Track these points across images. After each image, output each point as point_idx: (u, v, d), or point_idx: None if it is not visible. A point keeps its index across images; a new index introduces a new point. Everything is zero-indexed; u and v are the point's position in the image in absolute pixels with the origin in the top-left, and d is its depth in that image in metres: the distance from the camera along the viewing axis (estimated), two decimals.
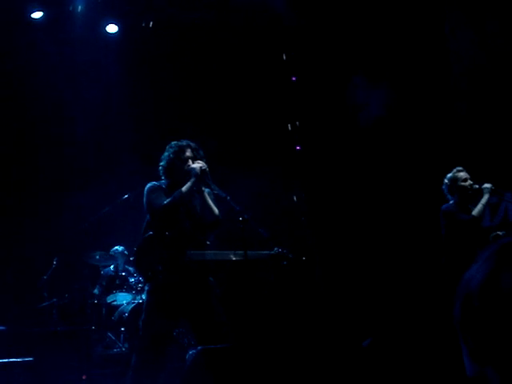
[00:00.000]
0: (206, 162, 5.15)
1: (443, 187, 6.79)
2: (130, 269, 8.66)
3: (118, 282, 8.67)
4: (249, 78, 9.51)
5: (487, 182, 6.69)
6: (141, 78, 9.72)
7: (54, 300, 8.33)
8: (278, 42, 9.57)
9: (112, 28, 9.50)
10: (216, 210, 5.18)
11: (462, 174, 6.67)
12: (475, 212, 6.52)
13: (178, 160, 5.18)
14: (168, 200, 5.00)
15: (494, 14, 8.70)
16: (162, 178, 5.27)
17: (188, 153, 5.20)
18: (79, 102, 9.38)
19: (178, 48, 9.69)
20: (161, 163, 5.27)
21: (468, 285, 1.11)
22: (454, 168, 6.76)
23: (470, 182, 6.62)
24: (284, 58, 9.59)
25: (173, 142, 5.32)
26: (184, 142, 5.28)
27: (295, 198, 9.49)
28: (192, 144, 5.29)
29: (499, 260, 1.09)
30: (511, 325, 1.04)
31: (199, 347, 4.44)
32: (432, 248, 7.42)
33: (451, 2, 9.03)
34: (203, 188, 5.14)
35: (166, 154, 5.27)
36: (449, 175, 6.73)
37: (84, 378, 7.15)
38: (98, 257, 8.70)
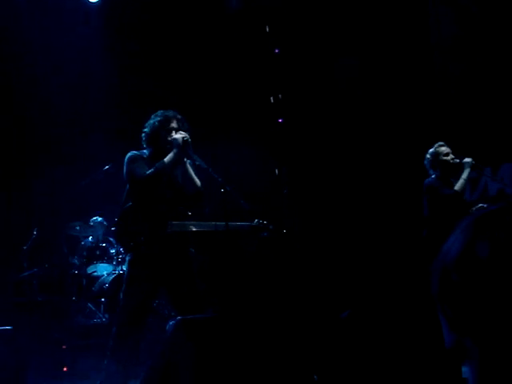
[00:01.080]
0: (190, 135, 5.10)
1: (425, 162, 6.83)
2: (111, 239, 8.64)
3: (98, 253, 8.65)
4: (232, 50, 9.45)
5: (467, 157, 6.74)
6: (121, 49, 9.62)
7: (35, 270, 8.31)
8: (262, 14, 9.50)
9: None
10: (198, 182, 5.16)
11: (444, 149, 6.72)
12: (457, 187, 6.58)
13: (163, 129, 5.12)
14: (150, 170, 4.96)
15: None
16: (144, 145, 5.21)
17: (173, 123, 5.14)
18: (57, 71, 9.28)
19: (160, 18, 9.59)
20: (144, 129, 5.18)
21: (445, 256, 1.11)
22: (436, 143, 6.80)
23: (451, 156, 6.68)
24: (267, 29, 9.53)
25: (159, 111, 5.24)
26: (170, 113, 5.22)
27: (277, 171, 9.50)
28: (178, 115, 5.23)
29: (474, 230, 1.09)
30: (489, 294, 1.04)
31: (179, 317, 4.45)
32: (413, 221, 7.48)
33: None
34: (185, 159, 5.11)
35: (151, 121, 5.18)
36: (430, 150, 6.78)
37: (64, 347, 7.17)
38: (77, 227, 8.68)
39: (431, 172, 6.78)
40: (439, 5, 8.92)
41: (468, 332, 1.07)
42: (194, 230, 5.14)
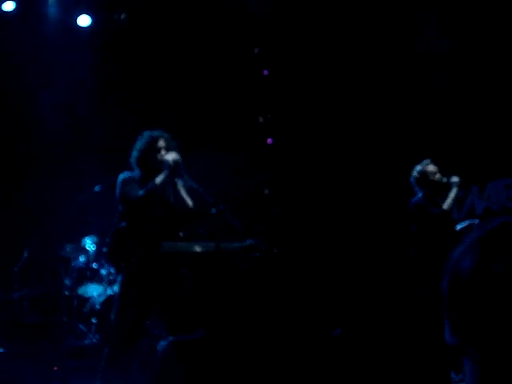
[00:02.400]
0: (178, 153, 5.15)
1: (411, 180, 6.80)
2: (102, 261, 8.63)
3: (88, 274, 8.63)
4: (221, 71, 9.51)
5: (454, 176, 6.76)
6: (112, 70, 9.68)
7: (25, 291, 8.30)
8: (250, 36, 9.59)
9: (84, 20, 9.45)
10: (189, 202, 5.20)
11: (432, 168, 6.72)
12: (445, 206, 6.60)
13: (151, 150, 5.15)
14: (142, 192, 4.99)
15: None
16: (134, 168, 5.25)
17: (161, 143, 5.19)
18: (50, 94, 9.32)
19: (151, 40, 9.66)
20: (133, 153, 5.22)
21: (457, 265, 1.16)
22: (423, 160, 6.81)
23: (439, 175, 6.69)
24: (256, 51, 9.62)
25: (145, 133, 5.27)
26: (157, 133, 5.25)
27: (266, 192, 9.54)
28: (165, 134, 5.26)
29: (488, 244, 1.14)
30: (500, 307, 1.08)
31: (170, 338, 4.47)
32: (401, 239, 7.51)
33: None
34: (176, 179, 5.15)
35: (137, 144, 5.22)
36: (418, 168, 6.75)
37: (55, 369, 7.14)
38: (68, 249, 8.67)
39: (417, 189, 6.77)
40: (425, 14, 9.01)
41: (472, 340, 1.12)
42: (185, 250, 5.17)
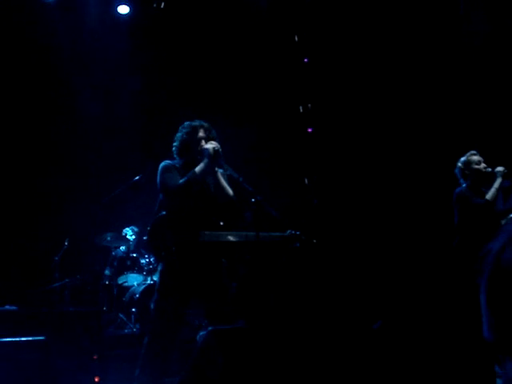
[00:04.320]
0: (218, 142, 5.14)
1: (456, 171, 6.77)
2: (142, 250, 8.67)
3: (128, 263, 8.70)
4: (262, 59, 9.47)
5: (499, 166, 6.67)
6: (151, 60, 9.70)
7: (66, 281, 8.37)
8: (291, 24, 9.51)
9: (123, 9, 9.49)
10: (230, 191, 5.18)
11: (476, 158, 6.66)
12: (489, 196, 6.51)
13: (191, 140, 5.18)
14: (182, 180, 4.99)
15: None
16: (175, 157, 5.26)
17: (201, 133, 5.20)
18: (89, 83, 9.38)
19: (190, 30, 9.65)
20: (174, 143, 5.26)
21: (498, 258, 1.10)
22: (468, 152, 6.74)
23: (483, 165, 6.62)
24: (296, 39, 9.54)
25: (186, 123, 5.31)
26: (197, 122, 5.28)
27: (307, 181, 9.48)
28: (205, 124, 5.28)
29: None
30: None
31: (210, 328, 4.44)
32: (444, 231, 7.41)
33: None
34: (216, 169, 5.13)
35: (178, 134, 5.27)
36: (462, 159, 6.72)
37: (95, 357, 7.18)
38: (109, 238, 8.73)
39: (462, 181, 6.72)
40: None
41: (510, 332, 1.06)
42: (225, 240, 5.14)
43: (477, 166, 6.61)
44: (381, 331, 4.59)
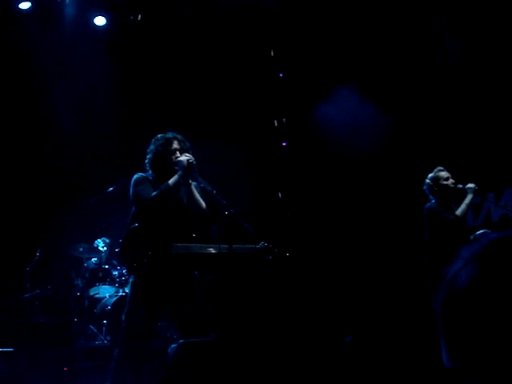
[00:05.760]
0: (192, 154, 5.14)
1: (425, 187, 6.77)
2: (114, 262, 8.63)
3: (100, 275, 8.64)
4: (237, 73, 9.51)
5: (470, 182, 6.73)
6: (128, 71, 9.70)
7: (37, 291, 8.30)
8: (267, 38, 9.58)
9: (100, 20, 9.49)
10: (203, 204, 5.18)
11: (444, 174, 6.69)
12: (459, 212, 6.55)
13: (165, 152, 5.16)
14: (155, 193, 4.98)
15: (480, 19, 8.75)
16: (149, 170, 5.25)
17: (175, 145, 5.19)
18: (66, 93, 9.34)
19: (166, 42, 9.68)
20: (147, 156, 5.24)
21: (452, 283, 1.09)
22: (435, 168, 6.79)
23: (451, 180, 6.66)
24: (272, 54, 9.61)
25: (159, 135, 5.29)
26: (170, 134, 5.26)
27: (280, 194, 9.52)
28: (178, 136, 5.27)
29: (486, 259, 1.07)
30: (499, 324, 1.02)
31: (181, 340, 4.44)
32: (414, 246, 7.46)
33: (440, 4, 9.08)
34: (190, 181, 5.14)
35: (152, 146, 5.24)
36: (430, 175, 6.74)
37: (66, 369, 7.13)
38: (81, 249, 8.68)
39: (431, 197, 6.74)
40: (445, 28, 8.97)
41: (470, 365, 1.05)
42: (198, 252, 5.14)
43: (445, 182, 6.64)
44: (352, 345, 4.61)
